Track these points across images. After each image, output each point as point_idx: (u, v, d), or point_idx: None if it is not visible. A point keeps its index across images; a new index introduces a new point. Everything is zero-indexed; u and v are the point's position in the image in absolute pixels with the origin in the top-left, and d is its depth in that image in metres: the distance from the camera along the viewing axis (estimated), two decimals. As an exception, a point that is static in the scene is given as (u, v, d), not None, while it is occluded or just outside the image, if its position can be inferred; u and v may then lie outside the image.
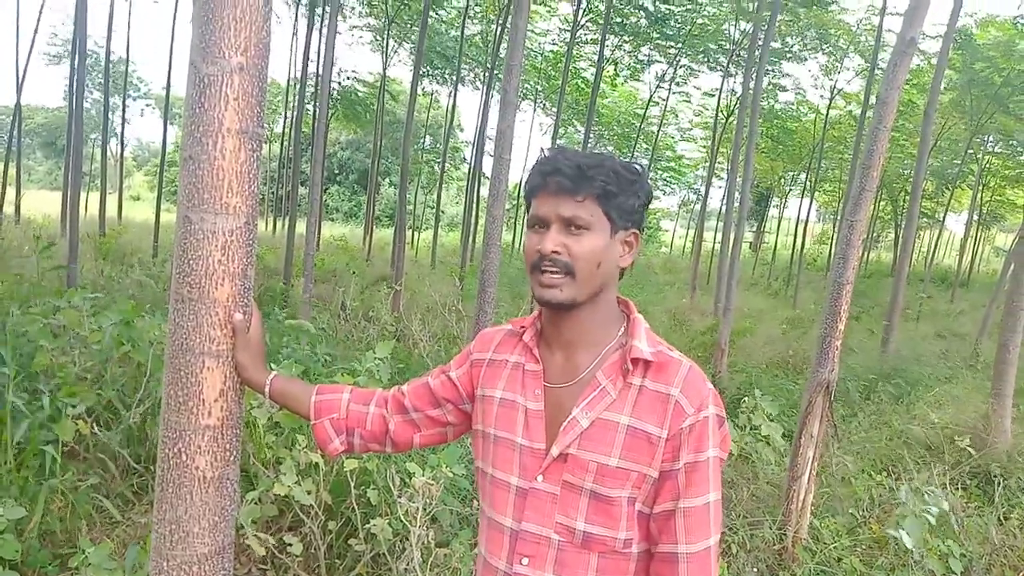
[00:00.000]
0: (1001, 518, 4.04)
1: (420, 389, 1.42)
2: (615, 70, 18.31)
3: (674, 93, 20.26)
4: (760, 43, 9.53)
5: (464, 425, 1.41)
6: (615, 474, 1.15)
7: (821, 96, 18.71)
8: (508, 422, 1.25)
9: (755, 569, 3.20)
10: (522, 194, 1.26)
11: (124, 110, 18.28)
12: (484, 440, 1.29)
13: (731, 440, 1.28)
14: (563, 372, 1.24)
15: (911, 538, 3.04)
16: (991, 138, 18.98)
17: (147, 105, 39.42)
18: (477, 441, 1.32)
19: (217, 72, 1.30)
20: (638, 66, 17.69)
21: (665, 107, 21.64)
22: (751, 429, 4.44)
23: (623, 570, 1.19)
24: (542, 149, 1.26)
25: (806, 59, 16.64)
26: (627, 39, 15.62)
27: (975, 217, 27.25)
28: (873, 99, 13.05)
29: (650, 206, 1.27)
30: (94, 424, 3.54)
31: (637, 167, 1.21)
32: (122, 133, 18.68)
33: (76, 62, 9.06)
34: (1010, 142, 18.57)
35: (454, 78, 18.91)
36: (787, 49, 16.02)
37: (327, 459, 2.97)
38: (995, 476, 4.67)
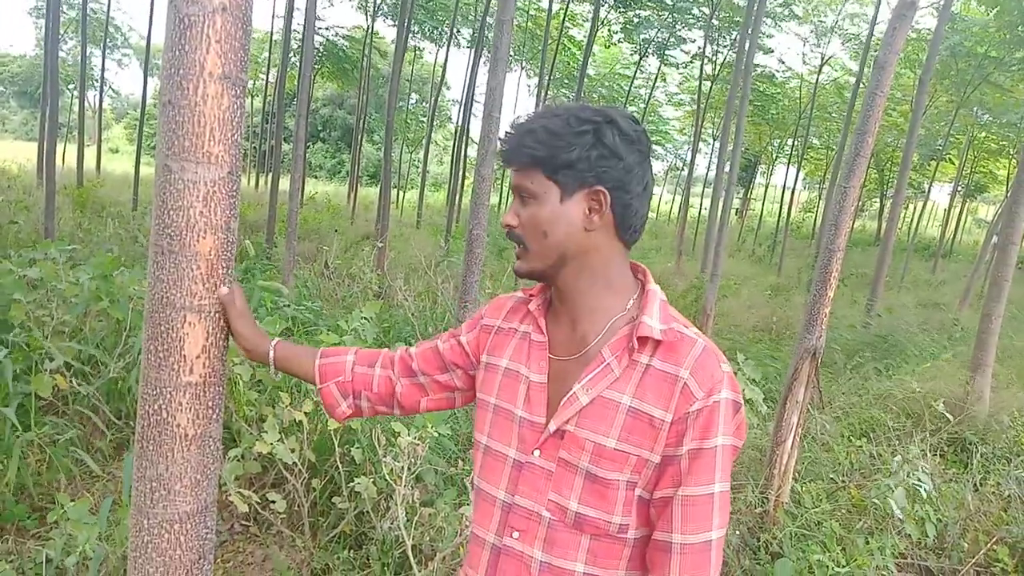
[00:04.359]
0: (977, 484, 4.11)
1: (428, 352, 1.37)
2: (608, 31, 18.02)
3: (665, 62, 20.01)
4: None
5: (472, 391, 1.35)
6: (613, 456, 1.08)
7: (813, 63, 18.56)
8: (510, 393, 1.20)
9: (737, 532, 3.23)
10: None
11: (104, 59, 17.80)
12: (484, 410, 1.25)
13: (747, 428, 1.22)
14: (569, 344, 1.18)
15: (900, 508, 3.10)
16: (977, 110, 18.92)
17: (124, 55, 38.49)
18: (477, 410, 1.28)
19: (198, 12, 1.23)
20: (631, 28, 17.42)
21: (658, 73, 21.40)
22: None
23: (616, 555, 1.13)
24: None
25: (796, 19, 16.44)
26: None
27: (959, 188, 27.37)
28: (863, 69, 12.97)
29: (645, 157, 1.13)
30: (73, 378, 3.49)
31: (590, 115, 1.08)
32: (101, 83, 18.24)
33: (49, 5, 8.77)
34: (992, 115, 18.51)
35: (444, 36, 18.55)
36: (779, 8, 15.84)
37: (311, 417, 2.95)
38: (971, 443, 4.74)
